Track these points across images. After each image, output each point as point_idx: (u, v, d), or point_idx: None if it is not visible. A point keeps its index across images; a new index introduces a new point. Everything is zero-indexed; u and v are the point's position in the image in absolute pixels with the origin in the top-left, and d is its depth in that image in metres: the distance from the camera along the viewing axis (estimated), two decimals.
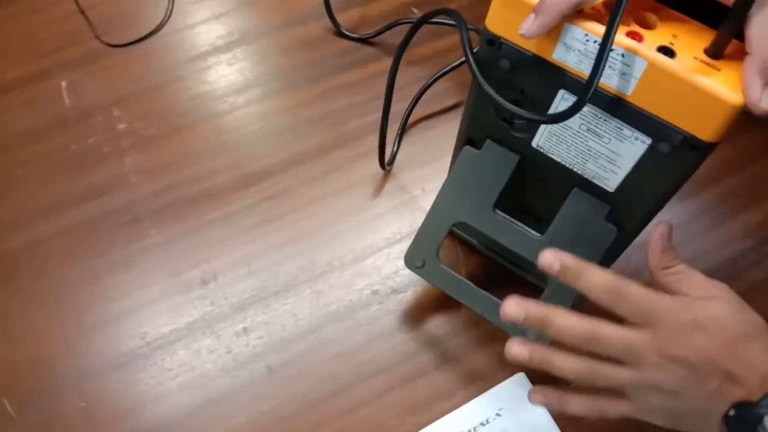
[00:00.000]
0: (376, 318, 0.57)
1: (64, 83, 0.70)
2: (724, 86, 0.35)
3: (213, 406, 0.53)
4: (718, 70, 0.36)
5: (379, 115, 0.58)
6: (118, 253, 0.60)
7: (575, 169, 0.45)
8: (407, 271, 0.53)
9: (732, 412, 0.38)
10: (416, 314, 0.57)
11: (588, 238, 0.47)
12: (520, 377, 0.53)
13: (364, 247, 0.60)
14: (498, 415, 0.52)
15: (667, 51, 0.36)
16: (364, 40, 0.73)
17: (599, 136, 0.42)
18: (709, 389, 0.39)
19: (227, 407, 0.53)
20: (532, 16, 0.38)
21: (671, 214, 0.61)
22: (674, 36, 0.37)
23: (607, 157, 0.43)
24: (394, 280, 0.59)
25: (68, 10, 0.75)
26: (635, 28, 0.37)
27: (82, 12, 0.74)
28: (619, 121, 0.40)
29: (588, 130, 0.42)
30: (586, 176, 0.45)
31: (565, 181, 0.46)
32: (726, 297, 0.40)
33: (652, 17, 0.38)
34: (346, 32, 0.73)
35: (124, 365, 0.55)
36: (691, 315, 0.39)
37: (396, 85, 0.57)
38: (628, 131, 0.40)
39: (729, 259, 0.61)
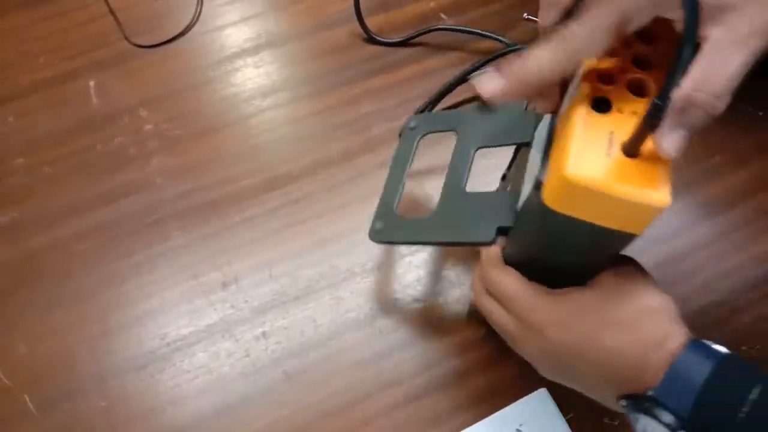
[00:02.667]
0: (396, 327, 0.56)
1: (92, 83, 0.70)
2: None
3: (230, 410, 0.53)
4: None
5: None
6: (141, 254, 0.60)
7: None
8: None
9: (623, 403, 0.38)
10: (437, 324, 0.57)
11: None
12: (543, 392, 0.52)
13: (386, 255, 0.60)
14: (519, 430, 0.51)
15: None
16: (394, 44, 0.72)
17: None
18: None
19: (245, 412, 0.53)
20: (496, 75, 0.34)
21: (703, 231, 0.59)
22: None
23: None
24: (416, 288, 0.58)
25: (98, 11, 0.75)
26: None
27: (113, 13, 0.75)
28: None
29: None
30: None
31: None
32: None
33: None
34: (377, 37, 0.72)
35: (144, 366, 0.55)
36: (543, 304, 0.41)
37: (421, 90, 0.56)
38: None
39: (762, 277, 0.59)
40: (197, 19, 0.75)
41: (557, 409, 0.51)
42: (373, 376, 0.54)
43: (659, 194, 0.31)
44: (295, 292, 0.58)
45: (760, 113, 0.66)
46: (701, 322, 0.56)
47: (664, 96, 0.29)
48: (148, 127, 0.67)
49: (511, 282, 0.43)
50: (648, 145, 0.32)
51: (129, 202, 0.63)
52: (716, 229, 0.61)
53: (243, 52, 0.73)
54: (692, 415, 0.35)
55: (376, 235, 0.50)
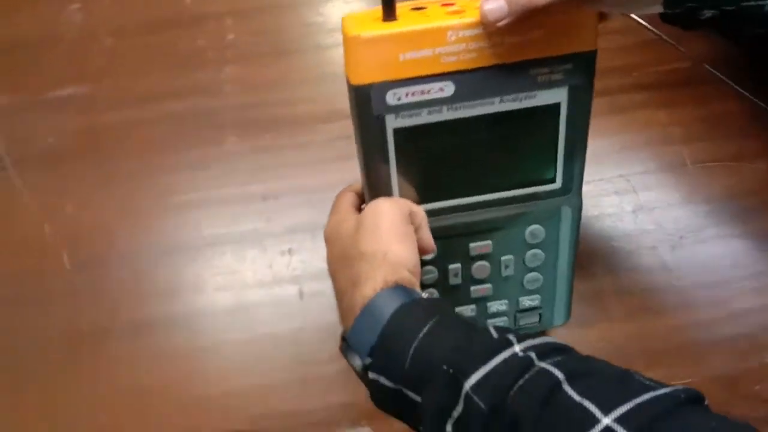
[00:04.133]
0: None
1: None
2: None
3: (242, 310, 0.56)
4: None
5: None
6: (197, 151, 0.63)
7: None
8: None
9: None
10: None
11: None
12: None
13: None
14: None
15: None
16: None
17: None
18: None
19: (255, 316, 0.56)
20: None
21: (751, 261, 0.58)
22: None
23: None
24: None
25: None
26: None
27: None
28: None
29: None
30: None
31: None
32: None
33: None
34: None
35: (177, 251, 0.59)
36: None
37: None
38: None
39: None
40: None
41: None
42: None
43: (365, 32, 0.38)
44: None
45: None
46: (726, 350, 0.55)
47: None
48: (230, 36, 0.70)
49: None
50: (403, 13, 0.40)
51: (196, 102, 0.66)
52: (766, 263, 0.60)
53: None
54: (373, 354, 0.35)
55: None
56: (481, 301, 0.50)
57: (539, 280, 0.50)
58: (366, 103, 0.40)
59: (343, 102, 0.42)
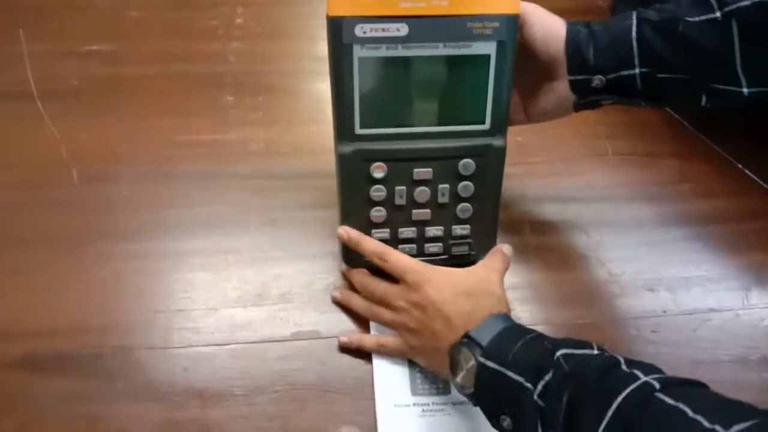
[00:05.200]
0: None
1: None
2: None
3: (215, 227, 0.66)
4: None
5: None
6: (197, 103, 0.75)
7: None
8: None
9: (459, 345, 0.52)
10: None
11: None
12: None
13: None
14: None
15: None
16: None
17: None
18: (435, 329, 0.53)
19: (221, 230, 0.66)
20: None
21: None
22: None
23: None
24: None
25: None
26: None
27: None
28: None
29: None
30: None
31: None
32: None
33: None
34: None
35: (168, 178, 0.69)
36: (428, 272, 0.56)
37: None
38: None
39: None
40: None
41: None
42: None
43: None
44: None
45: None
46: (626, 296, 0.65)
47: None
48: (239, 20, 0.83)
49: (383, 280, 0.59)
50: None
51: (203, 66, 0.78)
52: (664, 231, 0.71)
53: None
54: (489, 346, 0.49)
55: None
56: (421, 224, 0.60)
57: (470, 210, 0.60)
58: (338, 32, 0.52)
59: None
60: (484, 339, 0.49)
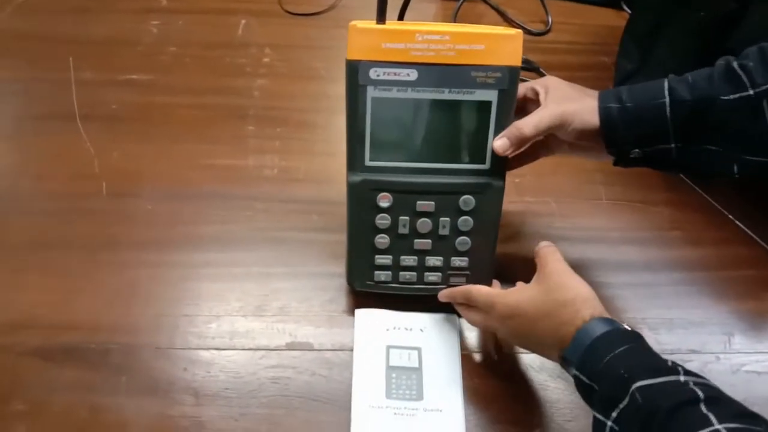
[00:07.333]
0: None
1: (243, 21, 0.96)
2: None
3: (226, 240, 0.72)
4: None
5: None
6: (221, 131, 0.82)
7: None
8: None
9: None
10: None
11: None
12: (452, 317, 0.66)
13: None
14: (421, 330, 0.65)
15: None
16: None
17: None
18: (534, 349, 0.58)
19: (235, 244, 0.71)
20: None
21: None
22: None
23: None
24: None
25: None
26: None
27: None
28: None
29: None
30: None
31: None
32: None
33: None
34: None
35: (188, 197, 0.75)
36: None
37: None
38: None
39: None
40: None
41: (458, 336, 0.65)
42: None
43: (361, 25, 0.56)
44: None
45: None
46: None
47: None
48: (266, 60, 0.90)
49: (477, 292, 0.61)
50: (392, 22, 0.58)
51: (229, 98, 0.85)
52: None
53: None
54: (580, 362, 0.50)
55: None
56: (422, 253, 0.64)
57: (468, 243, 0.63)
58: (355, 74, 0.57)
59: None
60: (576, 351, 0.51)
